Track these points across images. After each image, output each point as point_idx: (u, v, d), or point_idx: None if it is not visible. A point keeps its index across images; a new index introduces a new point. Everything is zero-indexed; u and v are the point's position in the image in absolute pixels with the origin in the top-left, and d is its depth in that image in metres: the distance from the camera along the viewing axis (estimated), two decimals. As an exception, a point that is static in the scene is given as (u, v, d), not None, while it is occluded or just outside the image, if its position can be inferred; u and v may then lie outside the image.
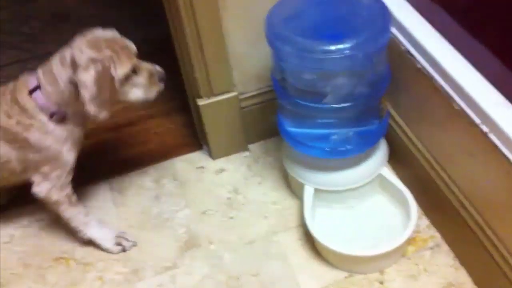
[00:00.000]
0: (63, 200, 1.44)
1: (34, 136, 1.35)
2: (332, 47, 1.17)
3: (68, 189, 1.44)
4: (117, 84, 1.31)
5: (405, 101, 1.44)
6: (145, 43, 2.09)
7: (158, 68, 1.40)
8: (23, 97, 1.34)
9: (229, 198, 1.60)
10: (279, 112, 1.45)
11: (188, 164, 1.71)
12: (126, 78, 1.33)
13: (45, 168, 1.39)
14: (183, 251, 1.48)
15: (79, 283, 1.46)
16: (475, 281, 1.33)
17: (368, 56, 1.22)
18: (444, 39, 1.28)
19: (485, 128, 1.13)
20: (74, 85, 1.29)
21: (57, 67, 1.32)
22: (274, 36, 1.25)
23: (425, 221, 1.46)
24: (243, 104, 1.62)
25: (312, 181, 1.44)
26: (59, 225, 1.58)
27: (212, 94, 1.56)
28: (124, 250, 1.51)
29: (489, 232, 1.22)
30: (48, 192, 1.42)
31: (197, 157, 1.72)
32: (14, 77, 1.40)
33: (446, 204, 1.34)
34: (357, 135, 1.37)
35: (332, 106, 1.28)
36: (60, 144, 1.38)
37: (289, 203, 1.56)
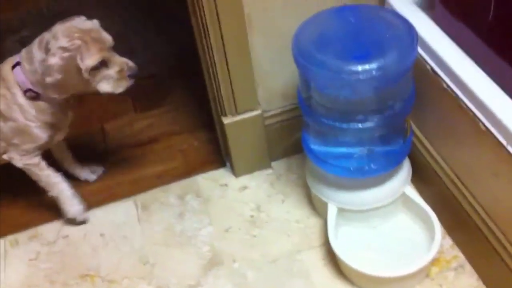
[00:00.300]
0: (30, 166, 1.51)
1: (2, 104, 1.41)
2: (359, 68, 1.17)
3: (36, 159, 1.51)
4: (84, 74, 1.35)
5: (430, 120, 1.43)
6: (172, 58, 2.12)
7: (131, 63, 1.42)
8: (6, 71, 1.42)
9: (252, 216, 1.60)
10: (304, 130, 1.45)
11: (212, 181, 1.71)
12: (95, 70, 1.36)
13: (16, 140, 1.46)
14: (206, 269, 1.49)
15: (104, 300, 1.47)
16: (500, 302, 1.32)
17: (394, 76, 1.22)
18: (469, 58, 1.27)
19: (512, 150, 1.13)
20: (45, 68, 1.34)
21: (36, 48, 1.38)
22: (300, 56, 1.25)
23: (449, 241, 1.45)
24: (267, 122, 1.62)
25: (336, 200, 1.44)
26: (85, 241, 1.59)
27: (236, 112, 1.57)
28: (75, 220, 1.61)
29: (514, 253, 1.22)
30: (13, 159, 1.49)
31: (221, 174, 1.73)
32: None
33: (470, 224, 1.33)
34: (382, 155, 1.36)
35: (357, 126, 1.28)
36: (29, 120, 1.43)
37: (312, 221, 1.56)
